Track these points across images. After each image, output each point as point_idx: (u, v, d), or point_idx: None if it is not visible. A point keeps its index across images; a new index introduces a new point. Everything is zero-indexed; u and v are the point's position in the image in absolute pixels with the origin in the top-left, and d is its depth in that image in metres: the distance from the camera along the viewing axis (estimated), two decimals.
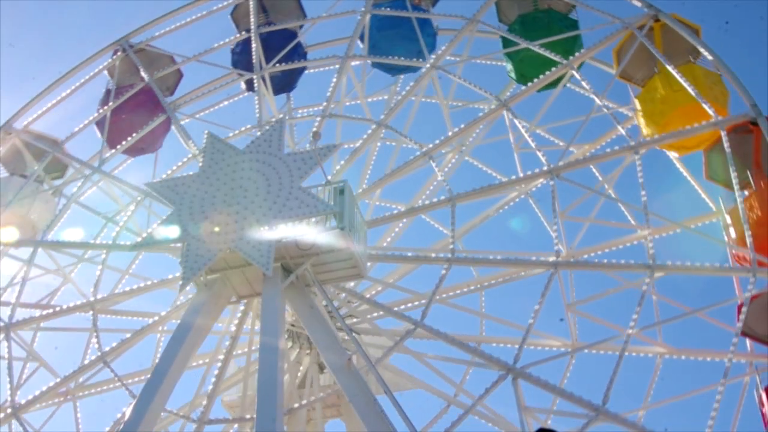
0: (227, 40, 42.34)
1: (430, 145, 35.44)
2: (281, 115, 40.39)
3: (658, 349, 34.27)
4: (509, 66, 39.42)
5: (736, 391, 32.76)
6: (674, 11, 35.44)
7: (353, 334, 32.74)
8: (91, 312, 35.94)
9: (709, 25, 58.20)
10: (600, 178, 36.41)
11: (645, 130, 35.65)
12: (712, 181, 34.48)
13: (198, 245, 31.85)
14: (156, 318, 35.55)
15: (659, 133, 34.66)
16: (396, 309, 34.41)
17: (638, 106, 36.12)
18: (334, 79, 38.47)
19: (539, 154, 34.16)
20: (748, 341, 32.58)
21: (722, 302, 32.13)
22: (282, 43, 41.64)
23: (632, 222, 35.22)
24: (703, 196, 35.57)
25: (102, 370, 35.43)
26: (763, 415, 31.78)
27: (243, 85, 43.25)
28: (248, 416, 33.55)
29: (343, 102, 40.75)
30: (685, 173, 36.31)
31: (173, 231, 32.53)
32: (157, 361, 32.91)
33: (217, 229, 31.89)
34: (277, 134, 33.40)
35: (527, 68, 38.39)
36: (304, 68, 42.67)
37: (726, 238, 33.44)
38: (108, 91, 42.77)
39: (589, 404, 29.09)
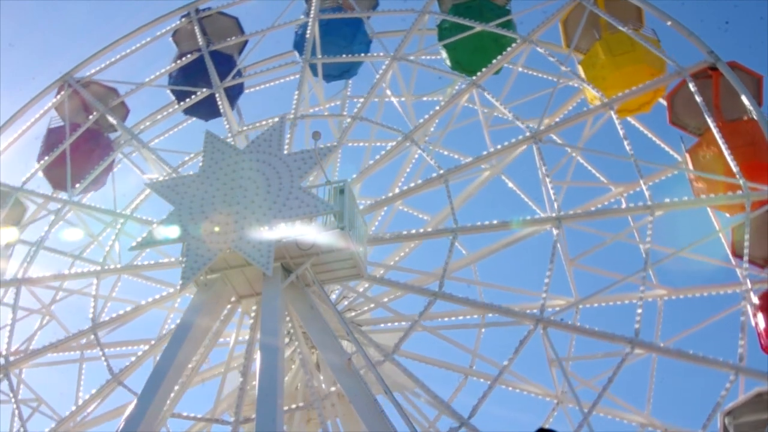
0: (177, 62, 42.25)
1: (412, 128, 36.16)
2: (242, 129, 40.58)
3: (660, 291, 35.56)
4: (444, 54, 40.51)
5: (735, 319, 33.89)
6: (673, 13, 36.54)
7: (353, 333, 32.63)
8: (91, 337, 34.96)
9: (709, 25, 61.46)
10: (568, 150, 37.78)
11: (589, 96, 37.59)
12: (676, 126, 36.05)
13: (198, 245, 31.74)
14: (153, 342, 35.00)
15: (607, 91, 35.89)
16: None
17: (582, 73, 37.82)
18: (297, 90, 38.69)
19: (519, 123, 35.31)
20: (738, 271, 33.75)
21: (714, 234, 33.55)
22: (223, 64, 41.93)
23: (604, 179, 36.99)
24: (666, 148, 37.55)
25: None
26: (758, 334, 32.87)
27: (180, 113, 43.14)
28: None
29: (307, 108, 40.99)
30: (643, 129, 38.22)
31: (173, 231, 32.30)
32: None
33: (217, 229, 31.86)
34: (277, 134, 33.62)
35: (461, 55, 39.70)
36: (241, 90, 42.98)
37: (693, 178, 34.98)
38: (50, 131, 42.03)
39: (624, 338, 30.09)
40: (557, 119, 37.51)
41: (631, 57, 36.51)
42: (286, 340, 35.70)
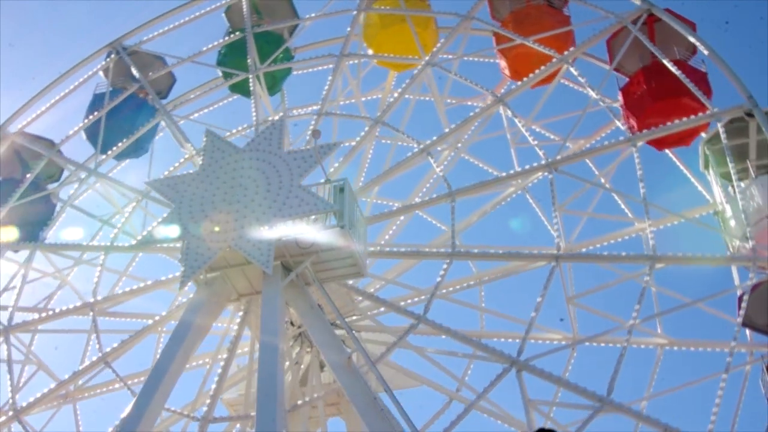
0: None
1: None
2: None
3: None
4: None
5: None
6: (676, 10, 36.39)
7: (353, 332, 32.66)
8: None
9: (709, 25, 59.17)
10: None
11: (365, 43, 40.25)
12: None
13: (198, 244, 31.88)
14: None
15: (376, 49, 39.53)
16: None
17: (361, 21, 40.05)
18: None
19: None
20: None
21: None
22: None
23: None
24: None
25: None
26: None
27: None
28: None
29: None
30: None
31: (173, 230, 32.58)
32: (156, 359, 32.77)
33: (217, 228, 31.91)
34: (277, 132, 33.50)
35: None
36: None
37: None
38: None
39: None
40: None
41: (398, 17, 39.20)
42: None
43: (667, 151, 36.93)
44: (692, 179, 36.34)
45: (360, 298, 34.89)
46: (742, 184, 33.52)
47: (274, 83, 41.67)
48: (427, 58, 37.71)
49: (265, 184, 32.31)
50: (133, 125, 41.07)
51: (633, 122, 35.69)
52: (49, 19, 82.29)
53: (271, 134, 33.52)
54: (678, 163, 36.96)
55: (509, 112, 35.69)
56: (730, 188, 34.26)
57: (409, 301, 35.50)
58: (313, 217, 32.05)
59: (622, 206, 36.15)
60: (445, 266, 32.55)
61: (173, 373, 30.77)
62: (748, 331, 32.92)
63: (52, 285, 39.24)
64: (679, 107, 34.57)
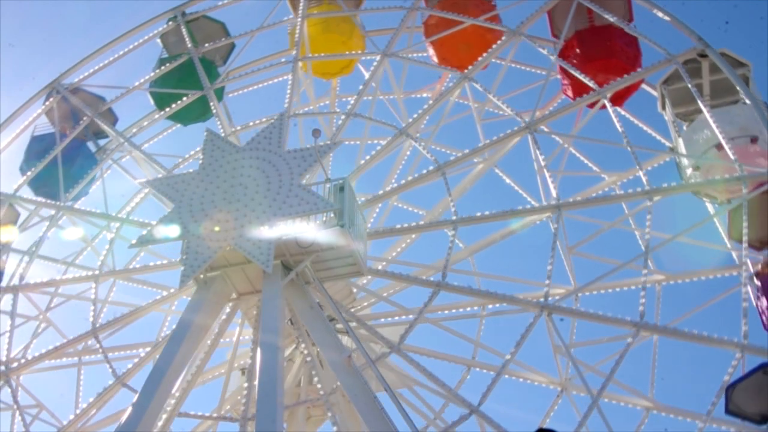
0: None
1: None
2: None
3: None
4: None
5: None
6: (675, 12, 37.03)
7: (352, 332, 32.69)
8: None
9: (709, 25, 62.20)
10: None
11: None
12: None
13: (198, 243, 31.68)
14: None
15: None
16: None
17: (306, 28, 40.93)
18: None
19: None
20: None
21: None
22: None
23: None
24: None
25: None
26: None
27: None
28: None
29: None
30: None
31: (173, 229, 32.23)
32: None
33: (217, 227, 31.76)
34: (277, 131, 33.63)
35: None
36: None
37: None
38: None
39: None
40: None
41: (323, 26, 40.85)
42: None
43: (618, 109, 38.82)
44: (648, 129, 38.39)
45: (369, 276, 35.11)
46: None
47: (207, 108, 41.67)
48: (383, 50, 38.76)
49: (265, 183, 32.36)
50: (71, 168, 40.48)
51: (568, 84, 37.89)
52: (49, 19, 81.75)
53: (271, 133, 33.62)
54: (631, 117, 38.93)
55: (479, 87, 36.84)
56: (684, 126, 36.38)
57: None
58: (313, 216, 32.21)
59: (590, 165, 38.13)
60: (451, 234, 33.33)
61: (173, 372, 30.40)
62: (734, 254, 34.55)
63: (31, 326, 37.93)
64: (609, 67, 36.86)
